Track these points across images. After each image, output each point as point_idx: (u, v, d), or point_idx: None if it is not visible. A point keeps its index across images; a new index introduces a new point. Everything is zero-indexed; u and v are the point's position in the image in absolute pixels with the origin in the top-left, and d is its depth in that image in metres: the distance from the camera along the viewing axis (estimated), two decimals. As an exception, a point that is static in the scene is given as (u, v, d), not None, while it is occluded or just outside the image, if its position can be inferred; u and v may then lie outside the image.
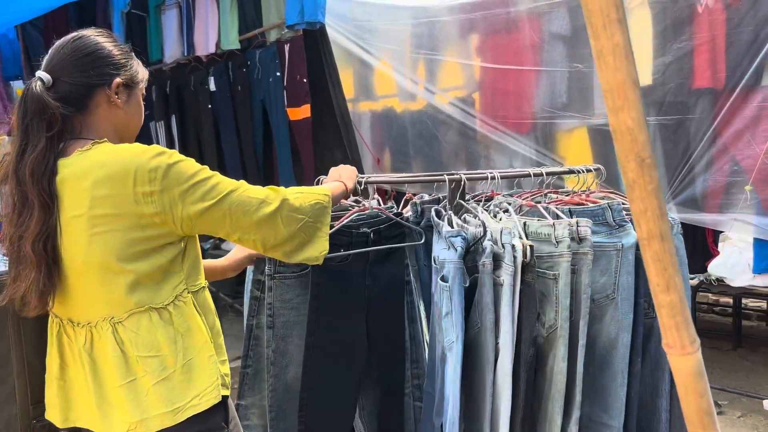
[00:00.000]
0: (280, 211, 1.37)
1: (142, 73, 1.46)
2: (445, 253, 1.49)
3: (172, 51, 4.71)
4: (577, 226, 1.48)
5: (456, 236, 1.47)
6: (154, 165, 1.26)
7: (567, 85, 3.44)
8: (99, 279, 1.29)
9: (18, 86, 8.10)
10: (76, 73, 1.33)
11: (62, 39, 1.39)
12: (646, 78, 3.14)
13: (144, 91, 1.47)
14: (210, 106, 4.58)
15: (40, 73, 1.34)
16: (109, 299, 1.30)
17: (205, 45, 4.43)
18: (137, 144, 1.32)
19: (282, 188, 1.42)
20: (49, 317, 1.40)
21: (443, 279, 1.49)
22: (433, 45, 4.06)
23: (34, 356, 1.57)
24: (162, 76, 4.92)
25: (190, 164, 1.31)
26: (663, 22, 3.04)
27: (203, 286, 1.42)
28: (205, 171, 1.33)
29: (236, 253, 1.83)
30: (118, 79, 1.37)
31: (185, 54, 4.61)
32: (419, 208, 1.85)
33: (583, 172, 1.77)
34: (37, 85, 1.31)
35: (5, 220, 1.33)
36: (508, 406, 1.41)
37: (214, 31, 4.39)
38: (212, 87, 4.53)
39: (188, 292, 1.36)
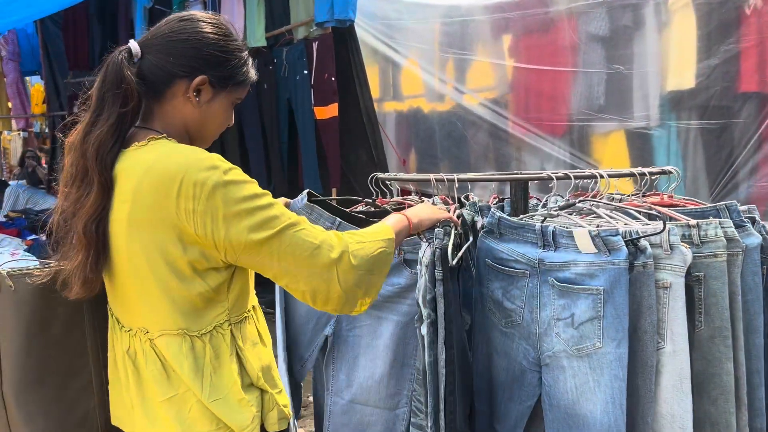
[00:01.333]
0: (338, 264, 1.18)
1: (244, 77, 1.30)
2: (583, 256, 1.37)
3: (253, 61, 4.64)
4: (721, 226, 1.41)
5: (615, 235, 1.33)
6: (201, 178, 1.12)
7: (605, 87, 3.36)
8: (137, 287, 1.20)
9: (36, 81, 8.08)
10: (163, 54, 1.22)
11: (174, 15, 1.27)
12: (689, 81, 3.06)
13: (241, 98, 1.32)
14: (234, 104, 4.52)
15: (131, 43, 1.23)
16: (144, 311, 1.21)
17: (231, 42, 4.37)
18: (196, 149, 1.19)
19: (344, 235, 1.24)
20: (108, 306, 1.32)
21: (569, 281, 1.38)
22: (463, 44, 3.99)
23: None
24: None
25: (247, 187, 1.15)
26: (708, 25, 2.96)
27: (248, 315, 1.28)
28: (264, 198, 1.17)
29: None
30: (203, 76, 1.23)
31: (210, 51, 4.54)
32: (477, 208, 1.77)
33: (675, 172, 1.68)
34: (121, 54, 1.20)
35: (61, 192, 1.23)
36: (689, 410, 1.33)
37: (240, 28, 4.33)
38: (237, 84, 4.47)
39: (229, 325, 1.23)
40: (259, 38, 4.28)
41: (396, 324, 1.60)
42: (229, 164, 1.17)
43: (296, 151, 4.31)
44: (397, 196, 1.89)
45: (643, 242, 1.34)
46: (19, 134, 9.44)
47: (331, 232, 1.22)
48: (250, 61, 1.31)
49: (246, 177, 1.18)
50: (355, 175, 4.21)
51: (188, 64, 1.23)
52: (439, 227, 1.44)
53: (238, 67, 1.28)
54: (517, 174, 1.66)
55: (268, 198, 1.19)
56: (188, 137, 1.29)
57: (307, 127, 4.15)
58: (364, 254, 1.23)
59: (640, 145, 3.30)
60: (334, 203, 1.77)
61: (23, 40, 7.14)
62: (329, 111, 4.01)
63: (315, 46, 3.99)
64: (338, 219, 1.69)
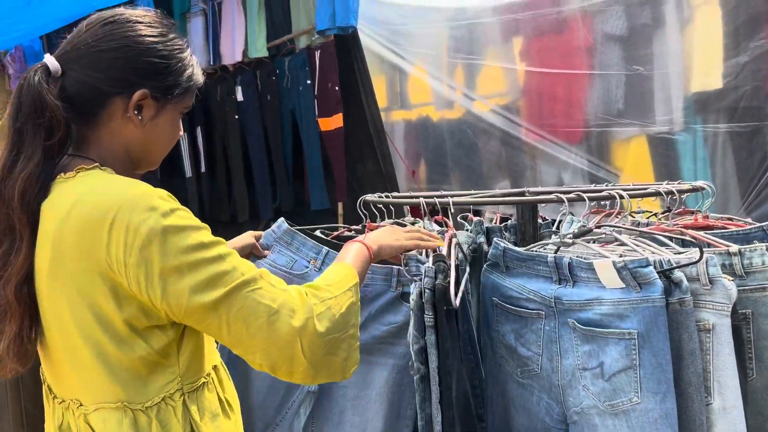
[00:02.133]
0: (301, 334, 0.95)
1: (190, 81, 1.10)
2: (608, 292, 1.15)
3: (197, 60, 4.51)
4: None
5: (646, 266, 1.12)
6: (135, 222, 0.91)
7: (624, 90, 3.15)
8: (66, 351, 0.99)
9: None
10: (90, 69, 1.00)
11: (95, 15, 1.05)
12: (715, 81, 2.84)
13: (189, 105, 1.13)
14: (237, 116, 4.37)
15: (47, 58, 1.02)
16: (76, 380, 1.00)
17: (232, 53, 4.23)
18: (133, 182, 0.98)
19: (308, 293, 1.01)
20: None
21: (594, 324, 1.17)
22: (472, 49, 3.79)
23: (33, 406, 1.34)
24: (187, 86, 4.74)
25: (191, 234, 0.94)
26: (736, 20, 2.74)
27: (207, 380, 1.07)
28: (213, 248, 0.95)
29: (242, 240, 1.54)
30: (143, 90, 1.03)
31: (211, 63, 4.41)
32: (482, 229, 1.56)
33: (708, 189, 1.45)
34: (37, 74, 0.98)
35: None
36: None
37: (241, 39, 4.19)
38: (239, 97, 4.33)
39: (181, 395, 1.01)
40: (260, 48, 4.13)
41: (391, 369, 1.39)
42: (172, 203, 0.96)
43: (301, 164, 4.16)
44: (393, 217, 1.70)
45: (678, 274, 1.13)
46: None
47: (294, 290, 1.00)
48: (194, 61, 1.12)
49: (193, 221, 0.97)
50: (362, 187, 4.05)
51: (123, 78, 1.02)
52: (423, 258, 1.24)
53: (181, 72, 1.08)
54: (524, 196, 1.46)
55: (219, 248, 0.97)
56: (131, 162, 1.09)
57: (311, 138, 3.99)
58: (333, 314, 1.00)
59: (664, 152, 3.07)
60: (317, 232, 1.59)
61: (30, 58, 7.07)
62: (334, 122, 3.85)
63: (317, 54, 3.84)
64: (324, 248, 1.51)
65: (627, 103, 3.15)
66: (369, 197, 1.65)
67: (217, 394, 1.09)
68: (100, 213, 0.93)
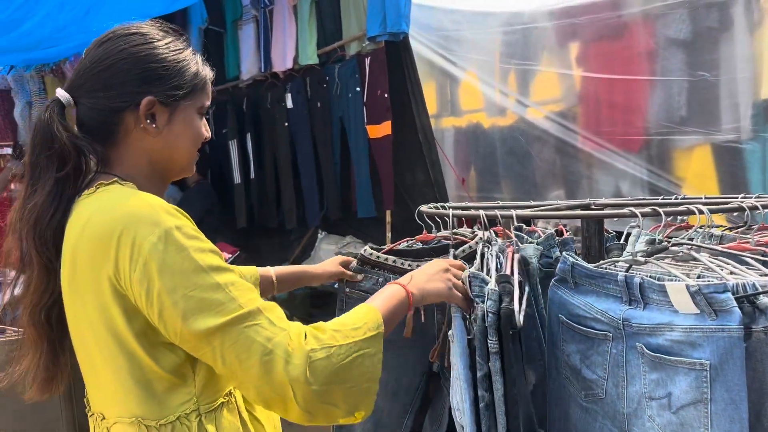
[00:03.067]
0: (292, 382, 0.88)
1: (198, 78, 1.08)
2: (681, 317, 1.04)
3: (249, 67, 4.55)
4: None
5: (723, 292, 1.00)
6: (140, 237, 0.90)
7: (687, 97, 3.01)
8: (87, 365, 1.00)
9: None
10: (95, 91, 1.02)
11: (94, 41, 1.06)
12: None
13: (205, 104, 1.10)
14: (287, 123, 4.39)
15: (59, 92, 1.04)
16: (98, 393, 1.01)
17: (283, 60, 4.24)
18: (145, 197, 0.96)
19: (313, 330, 0.95)
20: None
21: (663, 350, 1.06)
22: (527, 54, 3.70)
23: (86, 419, 1.34)
24: (238, 93, 4.78)
25: (195, 255, 0.90)
26: (811, 22, 2.58)
27: (227, 400, 1.03)
28: (218, 274, 0.91)
29: (328, 265, 1.56)
30: (149, 97, 1.02)
31: (262, 70, 4.44)
32: (555, 242, 1.47)
33: None
34: (49, 110, 1.01)
35: (9, 285, 1.05)
36: None
37: (292, 46, 4.20)
38: (289, 104, 4.34)
39: (198, 415, 0.98)
40: (311, 55, 4.13)
41: None
42: (179, 220, 0.93)
43: (349, 172, 4.13)
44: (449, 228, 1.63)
45: (764, 300, 1.03)
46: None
47: (295, 331, 0.92)
48: (197, 59, 1.09)
49: (198, 241, 0.93)
50: (411, 196, 3.99)
51: (127, 91, 1.02)
52: (487, 278, 1.17)
53: (183, 72, 1.06)
54: (589, 209, 1.37)
55: (225, 275, 0.93)
56: (158, 174, 1.08)
57: (359, 146, 3.96)
58: (332, 364, 0.91)
59: (730, 161, 2.92)
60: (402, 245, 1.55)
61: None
62: (382, 129, 3.80)
63: (367, 61, 3.81)
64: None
65: (690, 110, 3.01)
66: (424, 208, 1.59)
67: (240, 414, 1.05)
68: (109, 227, 0.93)
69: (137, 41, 1.04)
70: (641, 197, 1.66)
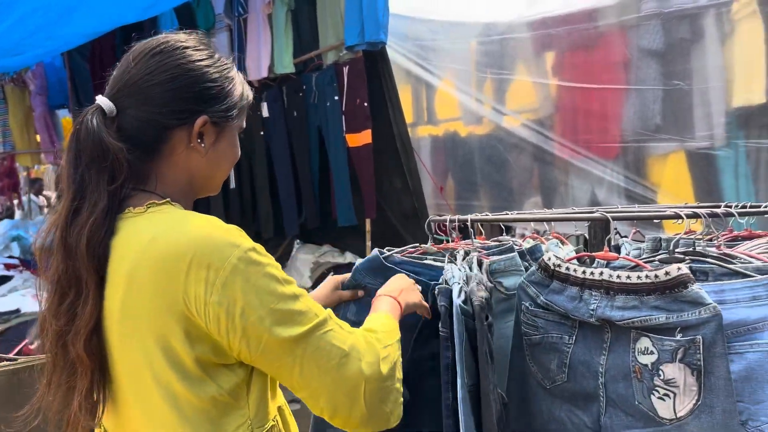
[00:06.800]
0: (367, 378, 0.95)
1: (245, 99, 1.08)
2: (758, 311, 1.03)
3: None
4: None
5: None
6: (217, 259, 0.89)
7: (661, 105, 3.09)
8: (132, 392, 0.96)
9: (63, 115, 8.08)
10: (147, 105, 0.98)
11: (139, 46, 1.02)
12: (759, 96, 2.79)
13: (244, 124, 1.10)
14: (262, 133, 4.36)
15: (101, 100, 0.98)
16: (142, 421, 0.96)
17: (258, 69, 4.21)
18: (210, 219, 0.95)
19: (370, 334, 1.02)
20: None
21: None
22: (502, 63, 3.76)
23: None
24: (211, 102, 4.73)
25: (272, 271, 0.93)
26: (780, 33, 2.69)
27: (275, 423, 1.03)
28: (290, 286, 0.95)
29: (322, 298, 1.45)
30: (204, 116, 1.00)
31: (236, 79, 4.40)
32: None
33: None
34: (94, 116, 0.96)
35: (46, 308, 0.98)
36: None
37: (267, 55, 4.17)
38: (265, 113, 4.31)
39: None
40: (287, 64, 4.12)
41: None
42: (250, 240, 0.94)
43: (328, 181, 4.12)
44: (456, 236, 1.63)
45: None
46: (49, 167, 9.47)
47: (360, 334, 1.01)
48: (241, 77, 1.09)
49: (269, 257, 0.95)
50: (389, 204, 4.00)
51: (183, 109, 1.00)
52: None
53: (234, 91, 1.05)
54: (614, 211, 1.38)
55: (294, 287, 0.96)
56: (193, 191, 1.06)
57: (338, 155, 3.95)
58: (393, 360, 1.01)
59: (704, 167, 3.01)
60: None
61: (51, 74, 7.12)
62: (362, 138, 3.80)
63: (345, 70, 3.81)
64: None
65: (665, 118, 3.09)
66: (434, 218, 1.59)
67: None
68: (178, 251, 0.91)
69: (194, 57, 1.01)
70: (677, 205, 1.62)
